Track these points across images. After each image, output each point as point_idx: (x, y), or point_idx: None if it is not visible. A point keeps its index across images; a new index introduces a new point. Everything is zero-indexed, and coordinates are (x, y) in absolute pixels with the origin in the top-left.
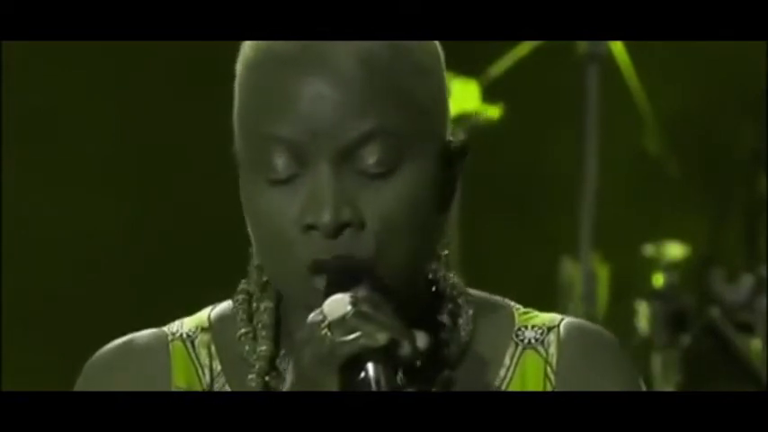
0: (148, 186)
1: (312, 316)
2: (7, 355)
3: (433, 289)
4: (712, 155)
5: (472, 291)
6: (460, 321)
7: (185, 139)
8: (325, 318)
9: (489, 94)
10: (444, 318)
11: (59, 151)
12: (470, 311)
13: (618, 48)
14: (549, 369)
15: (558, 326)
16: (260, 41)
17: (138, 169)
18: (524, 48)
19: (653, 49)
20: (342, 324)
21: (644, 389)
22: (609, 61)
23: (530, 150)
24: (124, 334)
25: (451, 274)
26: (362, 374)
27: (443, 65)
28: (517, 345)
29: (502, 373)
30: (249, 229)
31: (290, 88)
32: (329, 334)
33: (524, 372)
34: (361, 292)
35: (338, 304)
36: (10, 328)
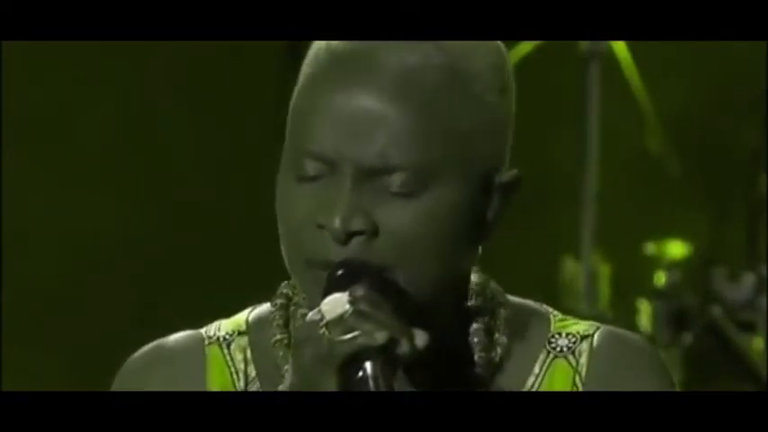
0: (148, 186)
1: (310, 315)
2: (7, 355)
3: (469, 303)
4: (712, 154)
5: (510, 297)
6: (496, 337)
7: (185, 139)
8: (323, 317)
9: None
10: (479, 336)
11: (59, 151)
12: (505, 326)
13: (619, 46)
14: (577, 378)
15: (593, 335)
16: (321, 48)
17: (138, 169)
18: (525, 47)
19: (654, 47)
20: (340, 323)
21: None
22: (610, 60)
23: (530, 150)
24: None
25: (492, 284)
26: (361, 373)
27: (507, 89)
28: (549, 353)
29: (530, 381)
30: (278, 224)
31: (324, 107)
32: (327, 333)
33: (552, 381)
34: (360, 291)
35: (336, 303)
36: (10, 328)
